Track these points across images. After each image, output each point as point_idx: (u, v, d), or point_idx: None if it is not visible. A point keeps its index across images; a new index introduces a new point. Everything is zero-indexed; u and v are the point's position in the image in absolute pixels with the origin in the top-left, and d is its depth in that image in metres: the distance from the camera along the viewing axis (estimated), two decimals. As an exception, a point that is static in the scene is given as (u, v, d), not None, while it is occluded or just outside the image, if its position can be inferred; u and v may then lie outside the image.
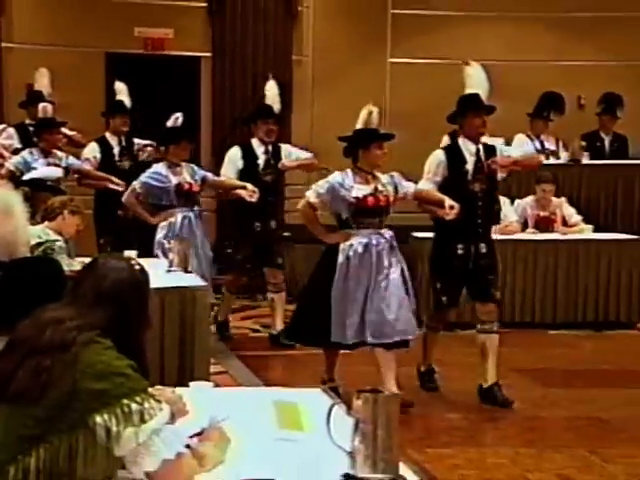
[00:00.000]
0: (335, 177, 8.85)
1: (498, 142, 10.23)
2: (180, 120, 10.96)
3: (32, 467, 3.57)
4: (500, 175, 9.76)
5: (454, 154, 9.31)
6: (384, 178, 8.93)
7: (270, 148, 11.43)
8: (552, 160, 14.56)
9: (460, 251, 9.27)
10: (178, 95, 14.20)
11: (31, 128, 12.84)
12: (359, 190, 8.74)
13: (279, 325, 11.40)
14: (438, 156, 9.38)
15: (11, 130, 13.29)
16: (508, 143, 14.41)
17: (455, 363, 10.59)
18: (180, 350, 8.34)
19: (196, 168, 11.10)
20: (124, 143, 12.55)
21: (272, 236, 11.63)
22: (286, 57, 16.08)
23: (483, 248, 9.38)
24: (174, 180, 10.72)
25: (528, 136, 14.35)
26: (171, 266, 9.18)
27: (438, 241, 9.70)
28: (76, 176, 12.25)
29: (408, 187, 9.05)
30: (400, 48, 16.48)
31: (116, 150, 12.47)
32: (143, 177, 10.81)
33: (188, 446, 3.73)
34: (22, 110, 13.66)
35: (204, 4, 15.90)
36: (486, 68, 9.76)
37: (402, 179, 9.05)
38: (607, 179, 14.83)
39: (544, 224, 13.63)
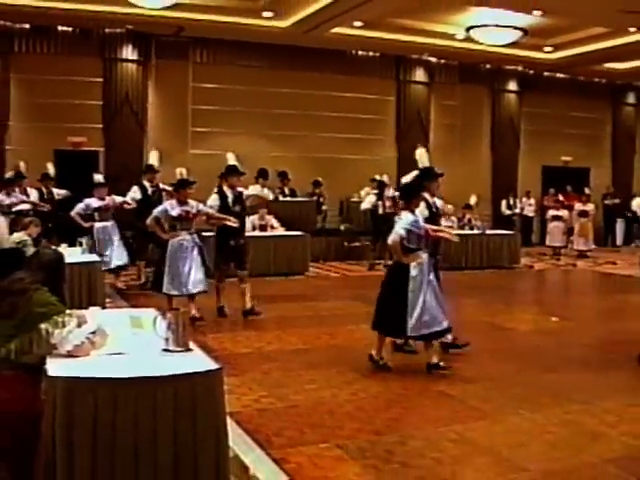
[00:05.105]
0: None
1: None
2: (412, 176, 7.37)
3: (12, 349, 3.55)
4: None
5: None
6: None
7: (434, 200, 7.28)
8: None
9: None
10: (88, 170, 13.21)
11: (162, 186, 11.43)
12: None
13: None
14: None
15: (136, 187, 11.45)
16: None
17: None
18: (88, 292, 8.07)
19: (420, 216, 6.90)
20: (237, 194, 9.45)
21: None
22: (140, 151, 15.84)
23: None
24: (423, 229, 6.71)
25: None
26: (84, 252, 8.83)
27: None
28: (204, 217, 9.40)
29: None
30: (196, 146, 16.49)
31: (230, 199, 9.35)
32: (406, 225, 6.57)
33: (88, 338, 3.66)
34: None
35: (101, 125, 15.80)
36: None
37: None
38: (292, 209, 14.88)
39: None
